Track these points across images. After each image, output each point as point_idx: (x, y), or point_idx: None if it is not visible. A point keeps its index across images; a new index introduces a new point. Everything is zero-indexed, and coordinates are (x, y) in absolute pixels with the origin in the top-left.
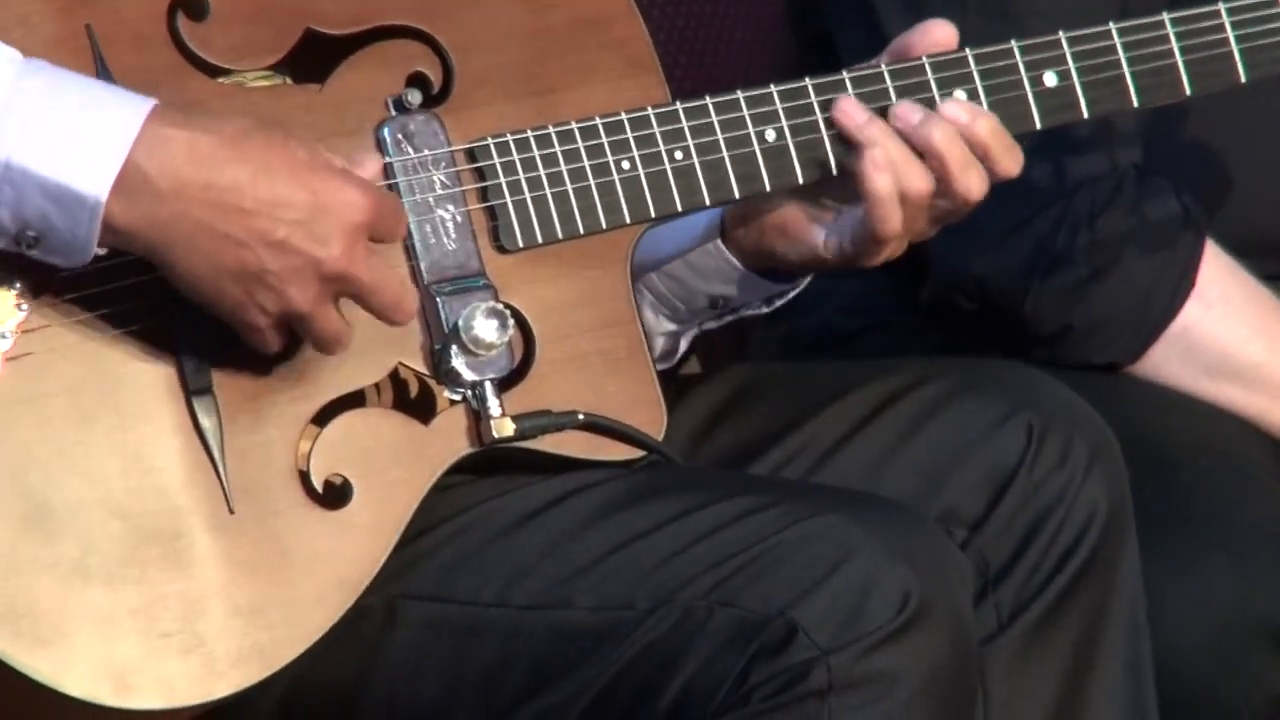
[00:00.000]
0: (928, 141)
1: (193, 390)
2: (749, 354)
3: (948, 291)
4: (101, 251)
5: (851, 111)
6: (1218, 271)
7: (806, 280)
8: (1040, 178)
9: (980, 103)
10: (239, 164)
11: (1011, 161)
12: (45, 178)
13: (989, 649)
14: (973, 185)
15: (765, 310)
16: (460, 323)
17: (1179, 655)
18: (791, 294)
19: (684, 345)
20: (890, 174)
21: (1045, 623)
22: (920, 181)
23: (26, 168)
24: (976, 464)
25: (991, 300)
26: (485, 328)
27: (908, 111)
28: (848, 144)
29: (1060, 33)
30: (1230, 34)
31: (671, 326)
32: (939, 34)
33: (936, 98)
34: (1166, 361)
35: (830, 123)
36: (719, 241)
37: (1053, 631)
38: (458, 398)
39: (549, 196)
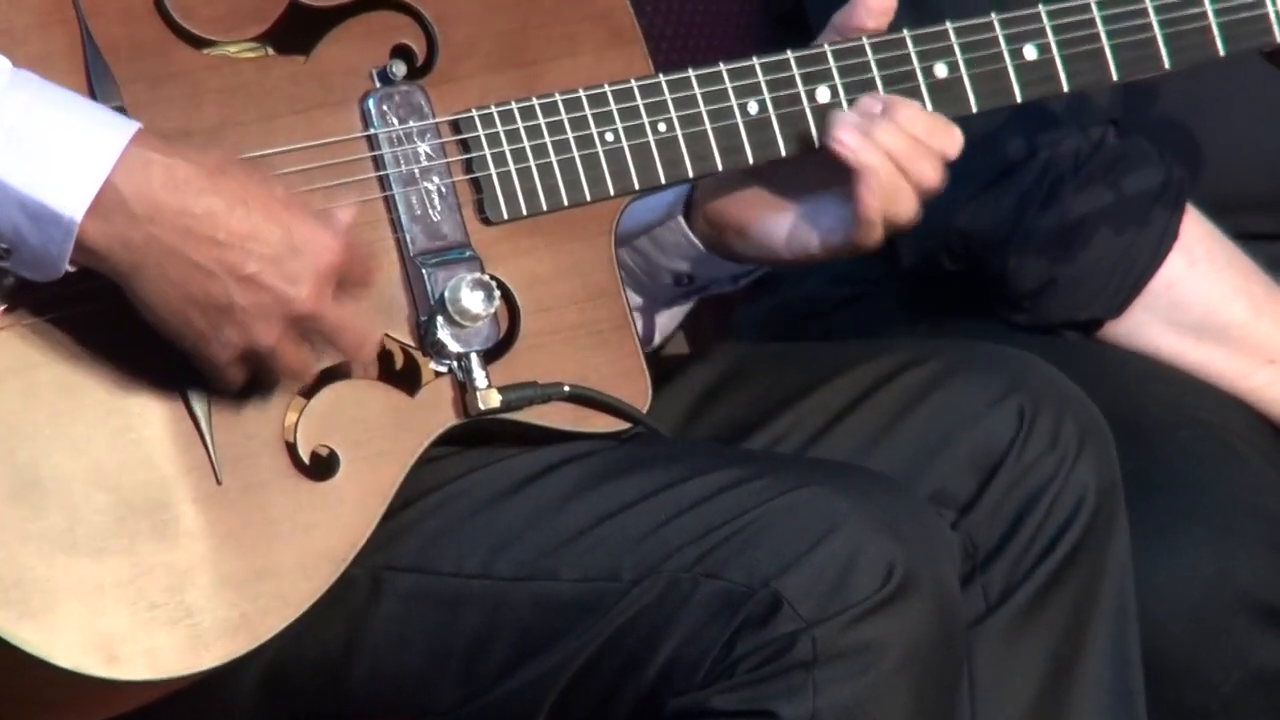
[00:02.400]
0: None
1: (180, 362)
2: (735, 327)
3: (931, 250)
4: (72, 269)
5: (846, 139)
6: (1200, 231)
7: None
8: (1020, 132)
9: (961, 75)
10: (214, 195)
11: (949, 142)
12: (21, 193)
13: (976, 631)
14: (925, 175)
15: (731, 289)
16: (446, 294)
17: (1160, 628)
18: (757, 274)
19: (661, 330)
20: (880, 198)
21: (1033, 606)
22: (909, 203)
23: (4, 181)
24: (967, 446)
25: (975, 256)
26: (471, 299)
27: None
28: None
29: (1040, 5)
30: (1209, 8)
31: (638, 300)
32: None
33: (918, 71)
34: (1150, 320)
35: (812, 95)
36: (680, 219)
37: (1040, 615)
38: (443, 369)
39: (533, 168)
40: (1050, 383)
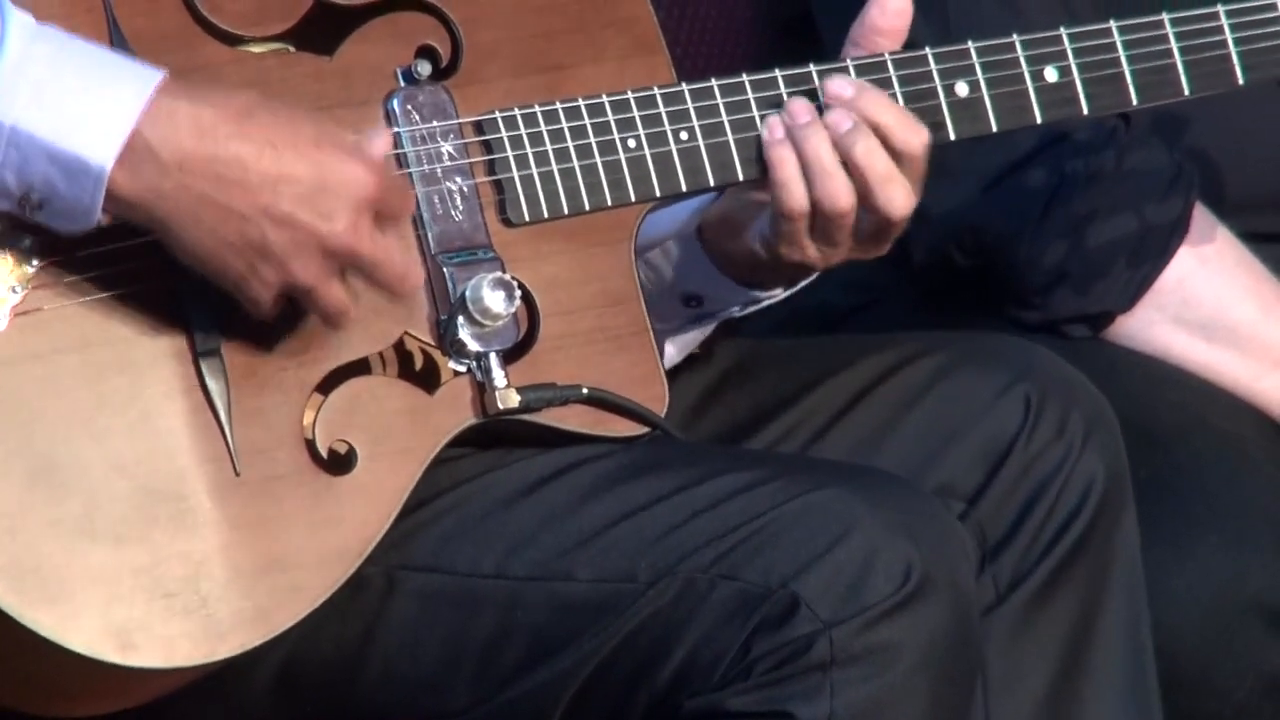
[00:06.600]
0: (849, 152)
1: (200, 352)
2: (745, 332)
3: (943, 245)
4: (105, 220)
5: (796, 112)
6: (1211, 230)
7: (784, 294)
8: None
9: (982, 95)
10: (242, 139)
11: (913, 136)
12: (50, 144)
13: (987, 621)
14: (895, 200)
15: (739, 314)
16: (468, 292)
17: (1173, 635)
18: (766, 302)
19: (669, 360)
20: (800, 186)
21: (1043, 594)
22: (843, 199)
23: (33, 134)
24: (974, 436)
25: (987, 250)
26: (493, 298)
27: (838, 120)
28: None
29: (1061, 29)
30: (1229, 36)
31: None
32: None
33: (939, 89)
34: (1160, 318)
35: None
36: (694, 235)
37: (1051, 603)
38: (462, 369)
39: (555, 172)
40: (1056, 372)
